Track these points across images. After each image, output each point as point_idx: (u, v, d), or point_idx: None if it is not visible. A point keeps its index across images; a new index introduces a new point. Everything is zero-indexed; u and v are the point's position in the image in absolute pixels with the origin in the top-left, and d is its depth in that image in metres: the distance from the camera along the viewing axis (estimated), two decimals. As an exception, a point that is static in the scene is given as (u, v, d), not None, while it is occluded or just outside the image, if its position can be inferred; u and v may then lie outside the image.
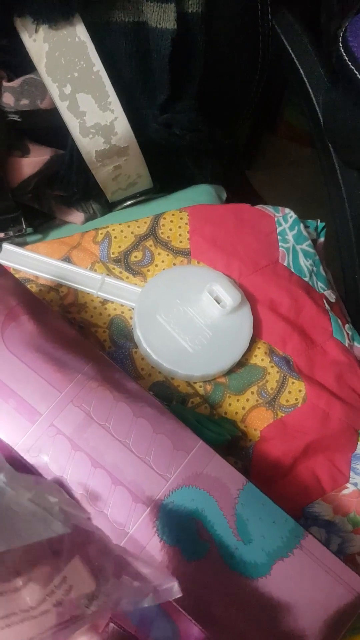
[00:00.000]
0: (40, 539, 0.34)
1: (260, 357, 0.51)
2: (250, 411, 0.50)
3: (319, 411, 0.49)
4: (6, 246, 0.54)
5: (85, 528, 0.36)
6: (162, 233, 0.54)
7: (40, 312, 0.44)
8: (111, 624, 0.41)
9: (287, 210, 0.57)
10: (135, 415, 0.41)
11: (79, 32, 0.47)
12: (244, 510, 0.40)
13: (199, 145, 0.56)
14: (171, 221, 0.55)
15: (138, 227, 0.55)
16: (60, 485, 0.40)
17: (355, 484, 0.48)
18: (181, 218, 0.55)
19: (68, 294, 0.52)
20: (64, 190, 0.57)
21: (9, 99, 0.49)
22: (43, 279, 0.53)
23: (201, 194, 0.60)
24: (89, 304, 0.52)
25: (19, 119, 0.51)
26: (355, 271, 0.56)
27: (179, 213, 0.55)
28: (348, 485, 0.48)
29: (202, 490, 0.40)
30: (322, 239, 0.59)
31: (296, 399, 0.50)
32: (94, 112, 0.50)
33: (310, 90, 0.51)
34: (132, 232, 0.54)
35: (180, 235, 0.54)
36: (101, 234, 0.55)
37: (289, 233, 0.56)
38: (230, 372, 0.50)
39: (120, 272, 0.53)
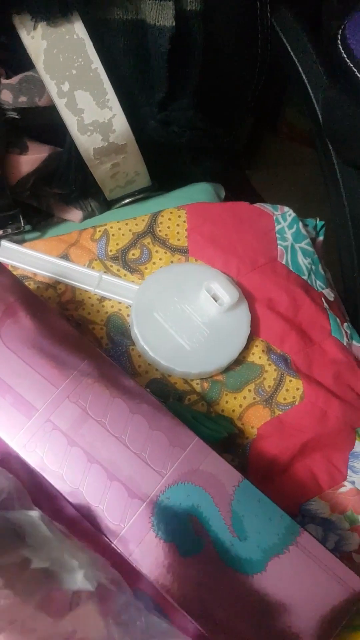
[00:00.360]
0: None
1: (257, 355, 0.51)
2: (247, 409, 0.50)
3: (316, 409, 0.49)
4: (4, 243, 0.54)
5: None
6: (160, 231, 0.54)
7: (37, 309, 0.44)
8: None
9: (285, 208, 0.57)
10: (131, 411, 0.41)
11: (77, 30, 0.47)
12: (239, 507, 0.40)
13: (197, 143, 0.56)
14: (169, 219, 0.55)
15: (136, 224, 0.55)
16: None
17: (352, 482, 0.48)
18: (179, 216, 0.55)
19: (66, 291, 0.53)
20: (63, 187, 0.57)
21: (7, 96, 0.49)
22: (41, 276, 0.53)
23: (200, 192, 0.60)
24: (86, 301, 0.52)
25: (17, 117, 0.51)
26: (354, 269, 0.56)
27: (177, 211, 0.55)
28: (345, 483, 0.48)
29: (198, 487, 0.40)
30: (321, 238, 0.59)
31: (293, 397, 0.50)
32: (92, 110, 0.50)
33: (309, 88, 0.51)
34: (130, 230, 0.54)
35: (178, 233, 0.54)
36: (99, 231, 0.55)
37: (288, 231, 0.56)
38: (227, 369, 0.50)
39: (118, 270, 0.53)
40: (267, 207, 0.57)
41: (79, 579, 0.35)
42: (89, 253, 0.54)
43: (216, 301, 0.50)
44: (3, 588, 0.31)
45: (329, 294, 0.55)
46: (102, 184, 0.57)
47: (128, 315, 0.52)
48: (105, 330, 0.51)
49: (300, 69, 0.51)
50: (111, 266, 0.54)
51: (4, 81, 0.49)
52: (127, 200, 0.61)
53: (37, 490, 0.43)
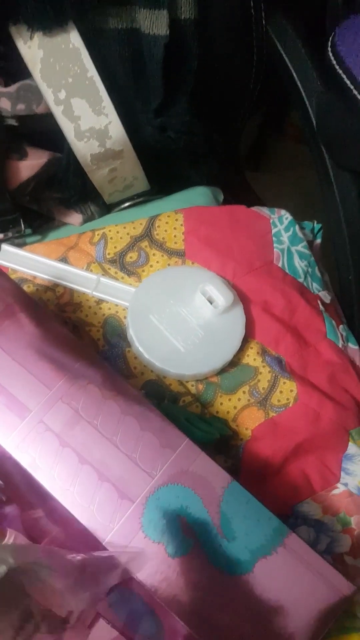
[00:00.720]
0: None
1: (252, 357, 0.51)
2: (241, 410, 0.50)
3: (310, 411, 0.50)
4: (5, 247, 0.55)
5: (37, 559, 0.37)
6: (157, 234, 0.55)
7: (33, 312, 0.45)
8: (100, 619, 0.42)
9: (282, 211, 0.58)
10: (122, 412, 0.42)
11: (73, 39, 0.48)
12: (228, 508, 0.40)
13: (193, 148, 0.57)
14: (166, 222, 0.56)
15: (134, 228, 0.55)
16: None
17: (345, 484, 0.49)
18: (176, 219, 0.56)
19: (64, 294, 0.53)
20: (62, 192, 0.58)
21: (5, 104, 0.50)
22: (40, 279, 0.54)
23: (198, 195, 0.61)
24: (84, 304, 0.53)
25: (16, 124, 0.52)
26: (349, 272, 0.57)
27: (174, 214, 0.56)
28: (338, 485, 0.49)
29: (187, 488, 0.40)
30: (318, 240, 0.59)
31: (287, 399, 0.50)
32: (88, 117, 0.51)
33: (303, 93, 0.52)
34: (127, 233, 0.55)
35: (175, 236, 0.55)
36: (97, 235, 0.55)
37: (284, 234, 0.56)
38: (222, 371, 0.51)
39: (116, 273, 0.54)
40: (263, 210, 0.57)
41: None
42: (87, 256, 0.55)
43: (211, 303, 0.50)
44: None
45: (325, 296, 0.56)
46: (101, 189, 0.58)
47: (125, 318, 0.52)
48: (102, 332, 0.52)
49: (294, 74, 0.52)
50: (109, 269, 0.54)
51: (2, 89, 0.50)
52: (126, 204, 0.61)
53: (30, 490, 0.44)
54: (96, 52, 0.49)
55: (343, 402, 0.51)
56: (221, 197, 0.62)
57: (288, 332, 0.52)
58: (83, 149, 0.53)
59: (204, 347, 0.50)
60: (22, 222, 0.58)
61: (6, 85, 0.50)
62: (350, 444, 0.50)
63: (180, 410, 0.49)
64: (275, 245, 0.56)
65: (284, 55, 0.52)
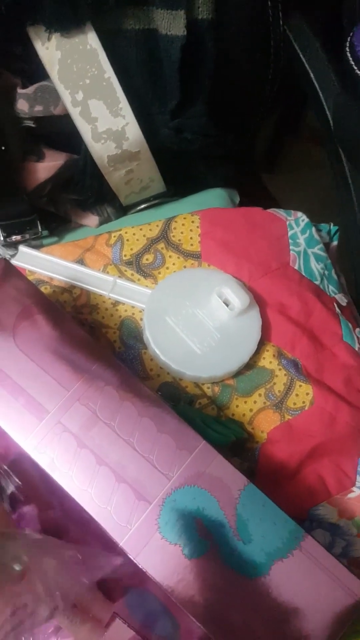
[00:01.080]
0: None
1: (268, 360, 0.51)
2: (257, 413, 0.50)
3: (326, 414, 0.50)
4: (22, 248, 0.56)
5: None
6: (173, 236, 0.55)
7: (51, 313, 0.45)
8: (116, 619, 0.42)
9: (299, 213, 0.58)
10: (140, 414, 0.42)
11: (91, 40, 0.48)
12: (244, 511, 0.40)
13: (210, 149, 0.57)
14: (182, 224, 0.56)
15: (150, 230, 0.56)
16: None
17: (361, 487, 0.49)
18: (192, 221, 0.56)
19: (81, 295, 0.54)
20: (79, 194, 0.58)
21: (23, 105, 0.50)
22: (57, 280, 0.54)
23: (214, 197, 0.61)
24: (100, 305, 0.53)
25: (33, 125, 0.52)
26: (365, 274, 0.56)
27: (190, 216, 0.56)
28: (354, 489, 0.49)
29: (204, 490, 0.40)
30: (335, 243, 0.59)
31: (303, 402, 0.50)
32: (105, 118, 0.51)
33: (320, 94, 0.52)
34: (144, 235, 0.55)
35: (191, 238, 0.55)
36: (114, 236, 0.55)
37: (301, 237, 0.56)
38: (238, 374, 0.51)
39: (132, 275, 0.54)
40: (280, 213, 0.57)
41: None
42: (104, 258, 0.55)
43: (227, 306, 0.50)
44: None
45: (342, 299, 0.55)
46: (117, 190, 0.58)
47: (141, 320, 0.52)
48: (118, 333, 0.52)
49: (312, 75, 0.51)
50: (125, 271, 0.54)
51: (20, 91, 0.50)
52: (142, 206, 0.62)
53: (48, 491, 0.44)
54: (113, 53, 0.49)
55: (359, 406, 0.50)
56: (237, 199, 0.62)
57: (304, 334, 0.52)
58: (100, 150, 0.53)
59: (220, 349, 0.50)
60: (39, 223, 0.58)
61: (24, 86, 0.51)
62: (366, 447, 0.50)
63: (196, 412, 0.49)
64: (291, 247, 0.56)
65: (301, 56, 0.52)
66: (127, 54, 0.50)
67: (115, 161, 0.54)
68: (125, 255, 0.55)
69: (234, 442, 0.48)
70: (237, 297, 0.50)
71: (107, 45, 0.49)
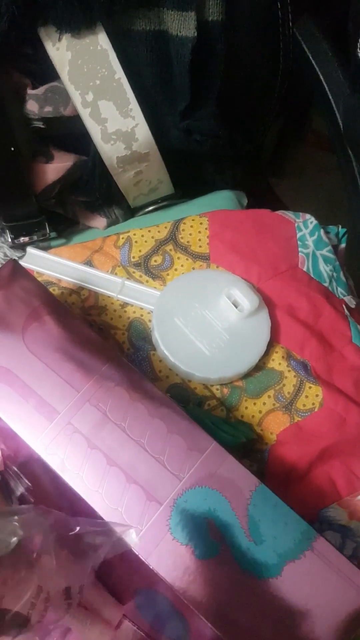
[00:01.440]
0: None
1: (277, 362, 0.51)
2: (266, 415, 0.50)
3: (335, 416, 0.49)
4: (30, 250, 0.56)
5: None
6: (181, 238, 0.55)
7: (60, 314, 0.45)
8: (125, 621, 0.42)
9: (307, 215, 0.58)
10: (150, 415, 0.42)
11: (101, 41, 0.48)
12: (256, 511, 0.40)
13: (219, 151, 0.57)
14: (191, 226, 0.56)
15: (158, 231, 0.55)
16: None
17: (371, 490, 0.48)
18: (201, 223, 0.56)
19: (89, 297, 0.53)
20: (87, 195, 0.58)
21: (33, 106, 0.50)
22: (65, 282, 0.54)
23: (222, 199, 0.61)
24: (109, 307, 0.53)
25: (43, 126, 0.52)
26: (375, 277, 0.56)
27: (199, 218, 0.56)
28: (364, 490, 0.48)
29: (215, 491, 0.40)
30: (343, 245, 0.59)
31: (313, 404, 0.50)
32: (115, 119, 0.51)
33: (330, 95, 0.51)
34: (152, 237, 0.55)
35: (199, 240, 0.55)
36: (122, 238, 0.55)
37: (309, 238, 0.56)
38: (247, 375, 0.51)
39: (140, 276, 0.54)
40: (288, 215, 0.57)
41: None
42: (112, 259, 0.55)
43: (236, 307, 0.50)
44: None
45: (351, 301, 0.55)
46: (126, 192, 0.58)
47: (149, 321, 0.52)
48: (127, 335, 0.52)
49: (321, 76, 0.51)
50: (134, 272, 0.54)
51: (30, 92, 0.50)
52: (150, 208, 0.61)
53: (58, 492, 0.44)
54: (124, 54, 0.49)
55: (369, 407, 0.50)
56: (245, 201, 0.62)
57: (313, 336, 0.52)
58: (109, 151, 0.53)
59: (229, 350, 0.50)
60: (47, 225, 0.58)
61: (34, 87, 0.51)
62: (377, 449, 0.50)
63: (205, 414, 0.49)
64: (300, 249, 0.56)
65: (310, 57, 0.52)
66: (138, 54, 0.50)
67: (125, 162, 0.54)
68: (133, 257, 0.55)
69: (243, 444, 0.47)
70: (247, 299, 0.50)
71: (118, 46, 0.49)
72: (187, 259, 0.55)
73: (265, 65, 0.56)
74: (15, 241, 0.57)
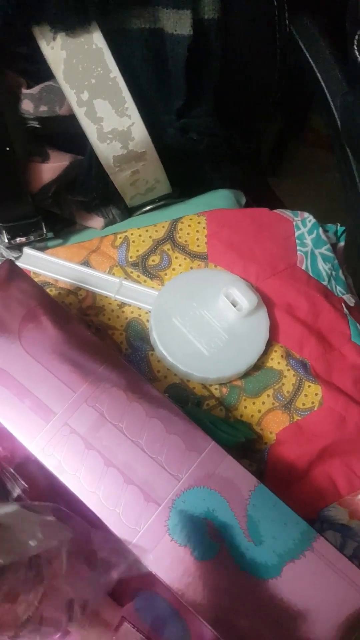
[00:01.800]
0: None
1: (276, 361, 0.51)
2: (266, 414, 0.50)
3: (335, 415, 0.49)
4: (27, 250, 0.55)
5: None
6: (179, 237, 0.55)
7: (57, 315, 0.45)
8: (125, 623, 0.42)
9: (306, 214, 0.57)
10: (148, 415, 0.42)
11: (96, 39, 0.48)
12: (255, 512, 0.40)
13: (216, 150, 0.57)
14: (189, 225, 0.55)
15: (156, 231, 0.55)
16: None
17: (372, 489, 0.48)
18: (199, 222, 0.55)
19: (86, 297, 0.53)
20: (84, 195, 0.58)
21: (28, 106, 0.50)
22: (62, 282, 0.54)
23: (220, 198, 0.60)
24: (106, 307, 0.53)
25: (38, 125, 0.52)
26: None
27: (196, 217, 0.56)
28: (365, 489, 0.48)
29: (214, 491, 0.40)
30: (342, 243, 0.59)
31: (312, 403, 0.50)
32: (111, 118, 0.51)
33: (327, 93, 0.51)
34: (150, 237, 0.55)
35: (197, 239, 0.55)
36: (120, 238, 0.55)
37: (308, 237, 0.56)
38: (246, 375, 0.50)
39: (138, 276, 0.54)
40: (287, 213, 0.57)
41: None
42: (109, 259, 0.55)
43: (235, 307, 0.50)
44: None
45: (350, 299, 0.55)
46: (123, 191, 0.58)
47: (147, 321, 0.52)
48: (124, 335, 0.52)
49: (318, 74, 0.51)
50: (131, 272, 0.54)
51: (25, 91, 0.50)
52: (147, 207, 0.61)
53: (55, 493, 0.43)
54: (119, 52, 0.49)
55: (369, 406, 0.50)
56: (243, 200, 0.62)
57: (312, 335, 0.52)
58: (105, 150, 0.53)
59: (227, 350, 0.50)
60: (43, 225, 0.58)
61: (29, 87, 0.50)
62: (377, 448, 0.49)
63: (204, 413, 0.48)
64: (298, 248, 0.55)
65: (307, 55, 0.52)
66: (133, 53, 0.50)
67: (121, 162, 0.54)
68: (131, 257, 0.54)
69: (242, 444, 0.47)
70: (245, 298, 0.50)
71: (113, 44, 0.48)
72: (185, 259, 0.54)
73: (262, 64, 0.56)
74: (12, 242, 0.57)
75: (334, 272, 0.56)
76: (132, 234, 0.55)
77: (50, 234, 0.59)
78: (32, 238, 0.57)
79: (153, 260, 0.54)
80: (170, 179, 0.59)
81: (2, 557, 0.34)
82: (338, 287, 0.55)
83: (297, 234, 0.56)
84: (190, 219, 0.56)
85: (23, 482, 0.44)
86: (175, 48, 0.49)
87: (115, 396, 0.42)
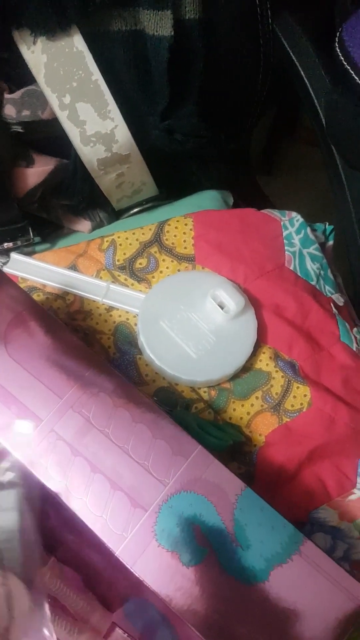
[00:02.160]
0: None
1: (265, 362, 0.51)
2: (254, 416, 0.49)
3: (324, 416, 0.49)
4: (14, 255, 0.55)
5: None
6: (166, 239, 0.55)
7: (43, 320, 0.44)
8: (116, 629, 0.42)
9: (293, 213, 0.57)
10: (134, 420, 0.41)
11: (77, 42, 0.47)
12: (242, 516, 0.39)
13: (201, 150, 0.56)
14: (176, 227, 0.55)
15: (143, 234, 0.55)
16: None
17: (362, 489, 0.48)
18: (186, 224, 0.55)
19: (74, 302, 0.53)
20: (70, 199, 0.58)
21: (10, 111, 0.50)
22: (50, 287, 0.54)
23: (207, 199, 0.60)
24: (94, 311, 0.53)
25: (21, 130, 0.51)
26: (363, 273, 0.56)
27: (183, 219, 0.55)
28: (355, 491, 0.48)
29: (201, 495, 0.40)
30: (330, 242, 0.59)
31: (301, 404, 0.49)
32: (94, 121, 0.50)
33: (311, 91, 0.51)
34: (137, 239, 0.55)
35: (184, 241, 0.55)
36: (107, 241, 0.55)
37: (295, 237, 0.56)
38: (234, 377, 0.50)
39: (125, 279, 0.54)
40: (274, 213, 0.57)
41: None
42: (96, 263, 0.54)
43: (222, 309, 0.50)
44: None
45: (339, 298, 0.55)
46: (109, 194, 0.58)
47: (135, 325, 0.52)
48: (112, 339, 0.52)
49: (302, 73, 0.51)
50: (119, 276, 0.54)
51: (7, 96, 0.50)
52: (135, 210, 0.61)
53: (43, 500, 0.43)
54: (100, 55, 0.49)
55: (358, 406, 0.50)
56: (231, 201, 0.62)
57: (301, 336, 0.52)
58: (89, 154, 0.52)
59: (215, 352, 0.49)
60: (30, 230, 0.57)
61: (11, 91, 0.50)
62: (367, 448, 0.49)
63: (192, 417, 0.48)
64: (286, 248, 0.55)
65: (291, 53, 0.51)
66: (115, 55, 0.49)
67: (105, 164, 0.54)
68: (118, 260, 0.54)
69: (231, 446, 0.47)
70: (232, 300, 0.49)
71: (94, 47, 0.48)
72: (172, 261, 0.54)
73: (246, 62, 0.55)
74: (-1, 247, 0.57)
75: (322, 272, 0.55)
76: (119, 237, 0.55)
77: (37, 239, 0.59)
78: (19, 243, 0.57)
79: (140, 263, 0.54)
80: (157, 180, 0.59)
81: None
82: (327, 287, 0.55)
83: (284, 233, 0.56)
84: (177, 221, 0.55)
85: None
86: (157, 49, 0.49)
87: (101, 401, 0.42)
